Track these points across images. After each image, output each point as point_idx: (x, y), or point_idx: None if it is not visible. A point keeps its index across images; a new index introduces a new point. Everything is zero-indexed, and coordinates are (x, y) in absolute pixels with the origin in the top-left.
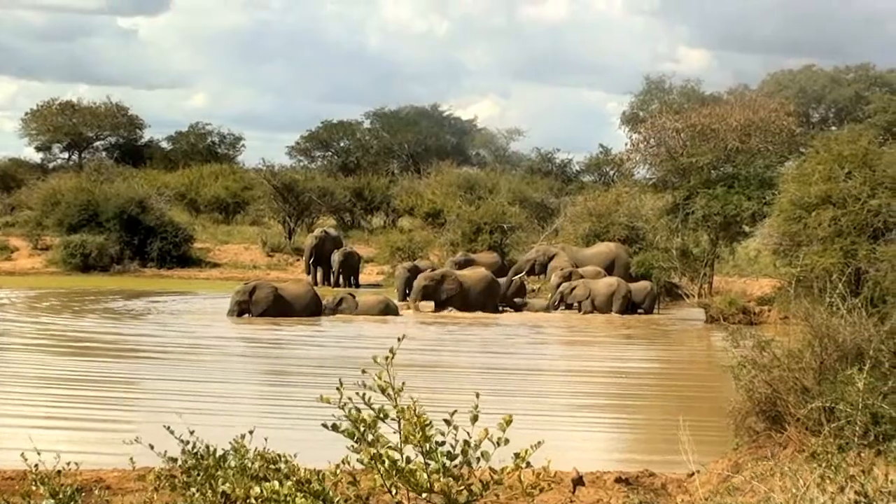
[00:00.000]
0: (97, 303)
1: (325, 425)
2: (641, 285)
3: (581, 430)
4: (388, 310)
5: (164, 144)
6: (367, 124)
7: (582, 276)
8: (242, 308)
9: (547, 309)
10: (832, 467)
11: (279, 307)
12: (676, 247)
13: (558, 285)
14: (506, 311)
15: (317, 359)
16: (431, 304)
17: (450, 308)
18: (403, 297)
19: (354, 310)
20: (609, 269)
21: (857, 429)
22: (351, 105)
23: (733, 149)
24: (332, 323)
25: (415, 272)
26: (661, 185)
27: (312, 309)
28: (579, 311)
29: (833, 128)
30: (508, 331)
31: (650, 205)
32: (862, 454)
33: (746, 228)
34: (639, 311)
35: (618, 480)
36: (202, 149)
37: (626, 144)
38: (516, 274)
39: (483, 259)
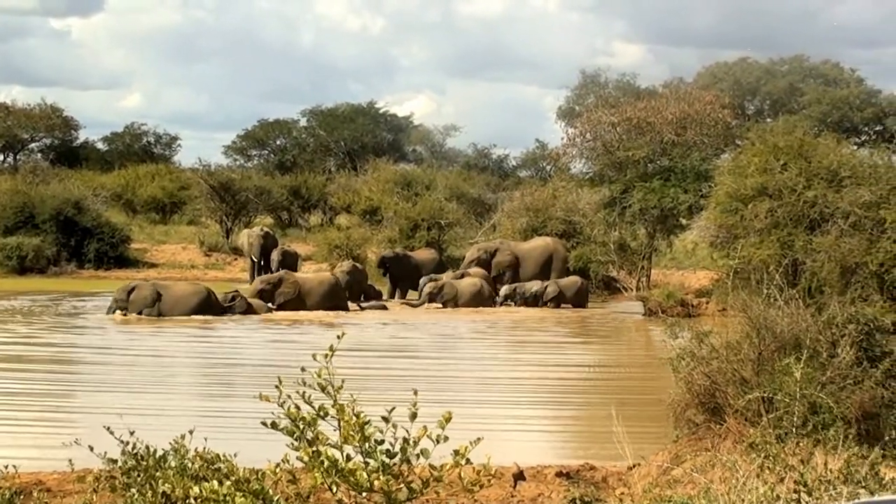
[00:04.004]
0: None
1: (264, 423)
2: (570, 280)
3: (522, 426)
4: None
5: (100, 145)
6: (303, 122)
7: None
8: (119, 306)
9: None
10: (771, 457)
11: (161, 306)
12: (614, 240)
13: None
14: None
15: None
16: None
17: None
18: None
19: (244, 309)
20: (547, 264)
21: (796, 419)
22: (287, 103)
23: (669, 142)
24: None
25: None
26: (598, 180)
27: (199, 309)
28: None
29: (768, 119)
30: (441, 329)
31: (587, 199)
32: (800, 444)
33: (683, 221)
34: (550, 305)
35: (559, 474)
36: (138, 149)
37: (562, 139)
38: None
39: (421, 255)
